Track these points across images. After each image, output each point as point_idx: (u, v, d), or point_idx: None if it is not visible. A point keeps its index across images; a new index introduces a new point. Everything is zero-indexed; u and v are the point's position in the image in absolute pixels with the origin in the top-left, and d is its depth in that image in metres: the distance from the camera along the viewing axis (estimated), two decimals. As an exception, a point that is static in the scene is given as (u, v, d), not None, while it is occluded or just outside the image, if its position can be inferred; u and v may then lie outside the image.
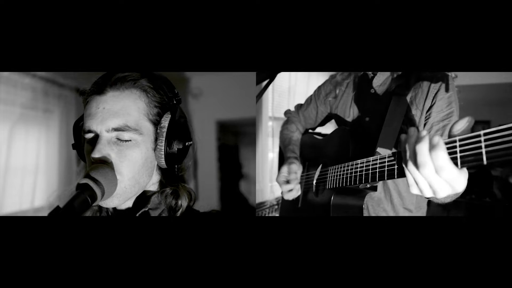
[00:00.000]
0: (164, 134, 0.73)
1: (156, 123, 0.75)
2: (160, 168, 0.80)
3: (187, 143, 0.77)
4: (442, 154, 0.55)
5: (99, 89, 0.72)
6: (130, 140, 0.71)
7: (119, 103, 0.71)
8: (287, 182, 1.20)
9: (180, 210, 0.77)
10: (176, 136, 0.75)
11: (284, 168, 1.22)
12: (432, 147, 0.56)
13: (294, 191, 1.19)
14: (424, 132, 0.58)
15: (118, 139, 0.71)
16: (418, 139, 0.58)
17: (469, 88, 3.68)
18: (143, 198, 0.78)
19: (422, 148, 0.57)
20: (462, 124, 0.57)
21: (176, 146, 0.74)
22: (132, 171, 0.72)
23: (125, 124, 0.70)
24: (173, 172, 0.80)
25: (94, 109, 0.71)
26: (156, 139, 0.74)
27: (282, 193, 1.24)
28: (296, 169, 1.21)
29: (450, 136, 0.58)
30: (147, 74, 0.76)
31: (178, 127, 0.76)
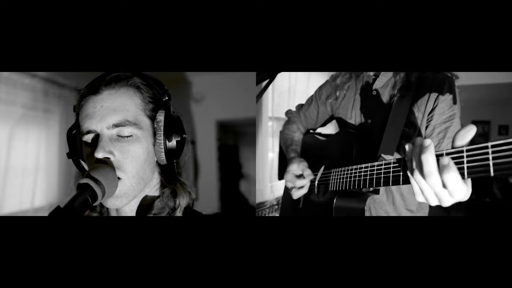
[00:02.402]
0: (162, 128, 0.74)
1: (153, 118, 0.76)
2: (159, 166, 0.80)
3: (184, 135, 0.78)
4: (454, 175, 0.56)
5: (94, 89, 0.73)
6: (131, 136, 0.72)
7: (117, 100, 0.72)
8: (298, 177, 1.16)
9: (179, 208, 0.78)
10: (173, 129, 0.76)
11: (293, 166, 1.18)
12: (443, 168, 0.56)
13: (304, 189, 1.16)
14: (428, 141, 0.58)
15: (119, 135, 0.71)
16: (423, 149, 0.58)
17: (469, 88, 3.68)
18: (146, 203, 0.78)
19: (428, 158, 0.57)
20: (467, 139, 0.57)
21: (174, 139, 0.76)
22: (136, 167, 0.72)
23: (125, 119, 0.71)
24: (172, 168, 0.80)
25: (91, 109, 0.72)
26: (154, 134, 0.76)
27: (289, 191, 1.20)
28: (307, 166, 1.18)
29: (453, 146, 0.58)
30: (137, 73, 0.77)
31: (173, 120, 0.77)
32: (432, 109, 0.99)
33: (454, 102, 0.98)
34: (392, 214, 1.12)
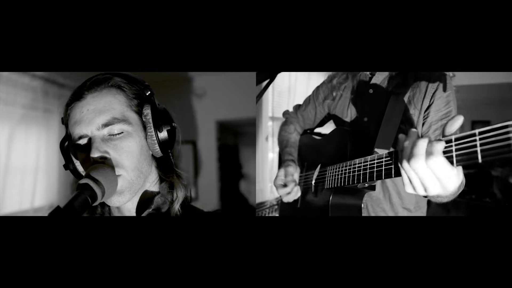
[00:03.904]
0: (150, 120, 0.76)
1: (140, 113, 0.77)
2: (155, 160, 0.81)
3: (173, 124, 0.79)
4: (436, 145, 0.57)
5: (78, 96, 0.75)
6: (121, 132, 0.73)
7: (101, 101, 0.74)
8: (284, 185, 1.19)
9: (177, 200, 0.79)
10: (161, 120, 0.77)
11: (281, 171, 1.21)
12: (430, 145, 0.58)
13: (292, 194, 1.18)
14: (430, 135, 0.60)
15: (110, 134, 0.72)
16: (422, 136, 0.60)
17: (469, 88, 3.69)
18: (147, 198, 0.79)
19: (421, 142, 0.59)
20: (456, 126, 0.58)
21: (164, 129, 0.77)
22: (133, 161, 0.73)
23: (113, 117, 0.72)
24: (169, 159, 0.81)
25: (78, 115, 0.73)
26: (144, 128, 0.77)
27: (280, 197, 1.23)
28: (292, 171, 1.20)
29: (444, 137, 0.59)
30: (117, 74, 0.79)
31: (160, 112, 0.79)
32: (429, 106, 0.99)
33: (450, 100, 0.98)
34: (389, 212, 1.12)
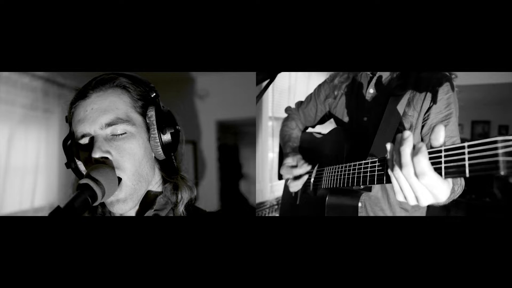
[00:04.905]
0: (154, 122, 0.75)
1: (144, 115, 0.77)
2: (158, 162, 0.81)
3: (177, 127, 0.79)
4: (423, 160, 0.55)
5: (82, 95, 0.74)
6: (125, 133, 0.73)
7: (106, 100, 0.73)
8: (294, 167, 1.17)
9: (181, 202, 0.78)
10: (165, 123, 0.77)
11: (289, 159, 1.19)
12: (415, 152, 0.57)
13: (300, 180, 1.16)
14: (407, 133, 0.58)
15: (113, 134, 0.72)
16: (402, 141, 0.59)
17: (469, 88, 3.69)
18: (149, 199, 0.78)
19: (405, 150, 0.58)
20: (441, 139, 0.56)
21: (168, 132, 0.76)
22: (134, 164, 0.73)
23: (116, 117, 0.72)
24: (171, 162, 0.81)
25: (82, 113, 0.73)
26: (148, 130, 0.76)
27: (287, 183, 1.21)
28: (301, 158, 1.19)
29: (432, 146, 0.58)
30: (122, 74, 0.78)
31: (164, 114, 0.78)
32: (429, 108, 0.99)
33: (451, 101, 0.98)
34: (387, 212, 1.12)
